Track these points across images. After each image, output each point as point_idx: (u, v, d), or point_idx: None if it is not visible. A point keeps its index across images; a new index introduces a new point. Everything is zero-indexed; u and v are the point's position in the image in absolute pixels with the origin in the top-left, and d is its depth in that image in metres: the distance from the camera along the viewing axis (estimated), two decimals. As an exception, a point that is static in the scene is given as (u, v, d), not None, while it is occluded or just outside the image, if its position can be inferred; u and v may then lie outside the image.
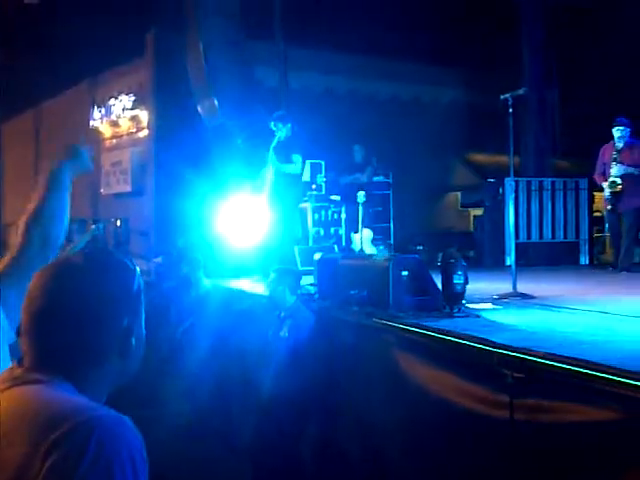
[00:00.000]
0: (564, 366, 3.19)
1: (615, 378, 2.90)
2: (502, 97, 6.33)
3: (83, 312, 1.45)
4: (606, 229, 10.81)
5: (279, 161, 8.37)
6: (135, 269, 1.57)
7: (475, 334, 4.01)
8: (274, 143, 8.41)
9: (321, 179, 11.31)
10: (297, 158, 8.35)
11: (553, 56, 12.73)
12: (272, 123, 8.52)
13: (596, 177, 9.51)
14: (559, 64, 12.86)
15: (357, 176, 10.86)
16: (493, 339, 3.80)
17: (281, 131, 8.45)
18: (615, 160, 9.10)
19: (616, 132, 9.16)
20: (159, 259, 11.07)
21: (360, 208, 9.82)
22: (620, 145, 9.17)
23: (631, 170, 9.03)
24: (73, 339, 1.45)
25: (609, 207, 9.36)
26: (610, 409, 2.90)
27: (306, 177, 11.23)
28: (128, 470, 1.29)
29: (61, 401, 1.37)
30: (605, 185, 9.31)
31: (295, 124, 8.72)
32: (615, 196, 9.16)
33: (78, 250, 1.63)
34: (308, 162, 11.35)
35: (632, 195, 9.04)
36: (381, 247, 11.22)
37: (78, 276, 1.49)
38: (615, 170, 9.12)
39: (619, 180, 9.10)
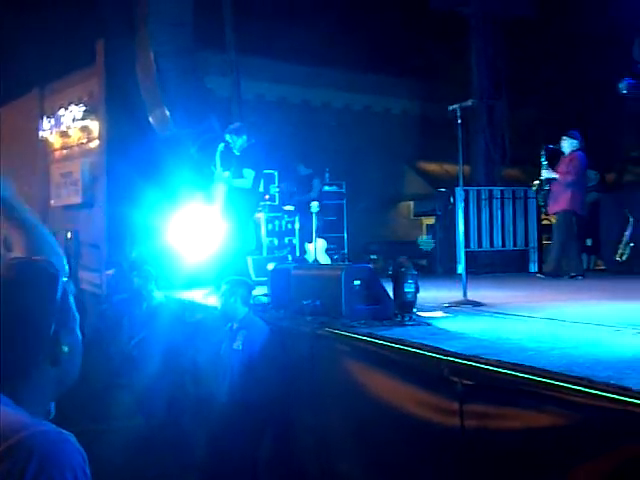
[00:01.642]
0: (512, 373, 3.24)
1: (560, 384, 2.96)
2: (450, 108, 6.41)
3: (7, 324, 1.43)
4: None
5: (232, 175, 8.35)
6: (58, 274, 1.53)
7: (425, 342, 4.05)
8: (218, 153, 8.38)
9: (274, 189, 11.32)
10: (248, 173, 8.32)
11: (502, 66, 12.94)
12: (227, 135, 8.49)
13: None
14: (508, 73, 13.07)
15: (309, 196, 10.72)
16: (443, 347, 3.85)
17: (236, 143, 8.44)
18: (543, 163, 9.59)
19: (561, 141, 9.55)
20: (111, 271, 10.96)
21: (314, 218, 9.85)
22: (564, 154, 9.57)
23: (552, 175, 9.53)
24: (1, 352, 1.42)
25: (543, 210, 10.07)
26: (556, 414, 2.96)
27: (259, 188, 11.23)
28: None
29: (1, 416, 1.34)
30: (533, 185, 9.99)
31: (252, 136, 8.69)
32: (544, 198, 9.76)
33: None
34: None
35: (555, 199, 9.55)
36: (335, 257, 11.27)
37: None
38: (542, 173, 9.66)
39: (538, 181, 9.74)
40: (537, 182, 9.82)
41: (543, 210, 10.10)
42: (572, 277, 9.20)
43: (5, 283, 1.46)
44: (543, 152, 9.62)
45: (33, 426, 1.33)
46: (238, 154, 8.45)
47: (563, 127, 9.90)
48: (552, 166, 9.61)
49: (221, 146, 8.41)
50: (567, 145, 9.53)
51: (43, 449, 1.28)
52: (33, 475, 1.24)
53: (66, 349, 1.51)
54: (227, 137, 8.48)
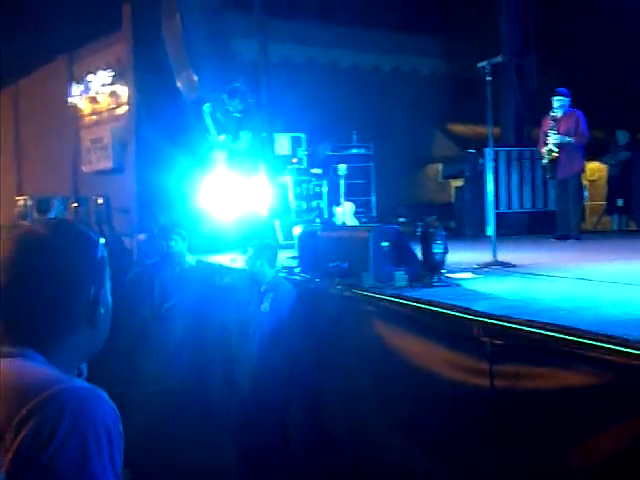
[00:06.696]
0: (542, 332, 3.20)
1: (593, 343, 2.91)
2: (479, 65, 6.30)
3: (49, 283, 1.43)
4: (585, 198, 10.91)
5: (232, 139, 8.23)
6: (98, 238, 1.55)
7: (455, 303, 4.02)
8: (207, 116, 8.21)
9: (302, 152, 11.26)
10: (245, 135, 8.19)
11: (531, 23, 12.66)
12: (224, 95, 8.35)
13: (539, 147, 9.74)
14: (537, 31, 12.78)
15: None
16: (472, 307, 3.81)
17: (233, 106, 8.28)
18: (552, 129, 9.36)
19: (555, 102, 9.40)
20: (142, 236, 11.03)
21: (341, 181, 9.79)
22: (559, 114, 9.37)
23: (567, 140, 9.30)
24: (41, 311, 1.42)
25: (548, 176, 9.72)
26: (589, 374, 2.93)
27: (287, 150, 11.18)
28: (103, 442, 1.27)
29: (34, 373, 1.34)
30: (543, 153, 9.60)
31: (248, 97, 8.50)
32: (552, 164, 9.46)
33: (38, 220, 1.60)
34: (289, 135, 11.31)
35: (569, 162, 9.36)
36: (364, 220, 11.23)
37: (41, 246, 1.45)
38: (552, 139, 9.39)
39: (555, 149, 9.38)
40: (554, 150, 9.38)
41: (548, 176, 9.74)
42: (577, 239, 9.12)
43: (47, 242, 1.46)
44: (552, 118, 9.41)
45: (64, 382, 1.33)
46: (238, 116, 8.29)
47: (594, 86, 9.69)
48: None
49: (207, 107, 8.24)
50: (563, 104, 9.38)
51: (75, 405, 1.27)
52: (65, 432, 1.23)
53: (102, 311, 1.51)
54: (224, 97, 8.33)
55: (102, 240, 1.57)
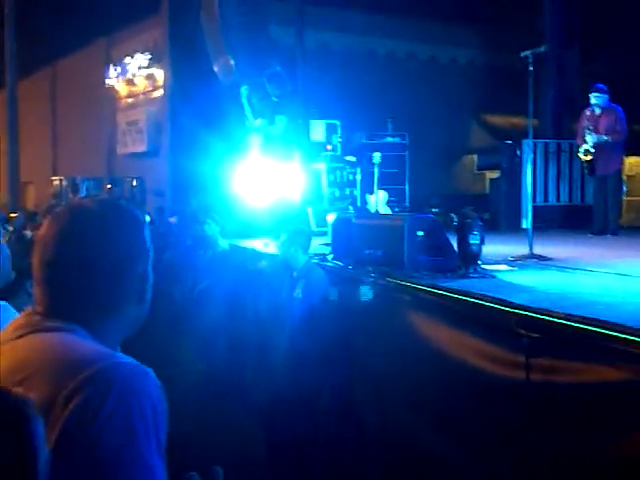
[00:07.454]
0: (580, 326, 3.16)
1: (632, 338, 2.87)
2: (522, 54, 6.22)
3: (101, 259, 1.43)
4: (624, 192, 10.74)
5: (268, 122, 8.21)
6: (145, 218, 1.57)
7: (491, 294, 3.98)
8: (244, 99, 8.18)
9: (336, 139, 11.22)
10: (280, 119, 8.16)
11: (574, 15, 12.46)
12: (264, 79, 8.34)
13: (578, 140, 9.63)
14: (580, 23, 12.57)
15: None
16: (509, 299, 3.77)
17: (270, 89, 8.26)
18: (589, 129, 9.23)
19: (593, 98, 9.24)
20: (174, 219, 11.10)
21: (375, 169, 9.73)
22: (597, 111, 9.21)
23: (604, 139, 9.14)
24: (92, 287, 1.43)
25: (586, 172, 9.64)
26: (625, 369, 2.88)
27: (321, 137, 11.15)
28: (149, 417, 1.28)
29: (81, 348, 1.36)
30: (580, 153, 9.47)
31: (286, 82, 8.45)
32: (590, 163, 9.34)
33: (89, 197, 1.61)
34: (324, 122, 11.28)
35: (607, 161, 9.21)
36: (397, 209, 11.18)
37: (94, 222, 1.45)
38: (589, 138, 9.26)
39: (592, 149, 9.24)
40: (590, 150, 9.24)
41: (586, 172, 9.67)
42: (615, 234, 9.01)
43: (100, 218, 1.47)
44: (590, 115, 9.26)
45: (112, 357, 1.34)
46: (275, 100, 8.25)
47: (636, 79, 9.51)
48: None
49: (244, 89, 8.21)
50: (602, 101, 9.20)
51: (122, 381, 1.28)
52: (112, 406, 1.25)
53: (148, 288, 1.54)
54: (265, 81, 8.32)
55: (148, 219, 1.59)
